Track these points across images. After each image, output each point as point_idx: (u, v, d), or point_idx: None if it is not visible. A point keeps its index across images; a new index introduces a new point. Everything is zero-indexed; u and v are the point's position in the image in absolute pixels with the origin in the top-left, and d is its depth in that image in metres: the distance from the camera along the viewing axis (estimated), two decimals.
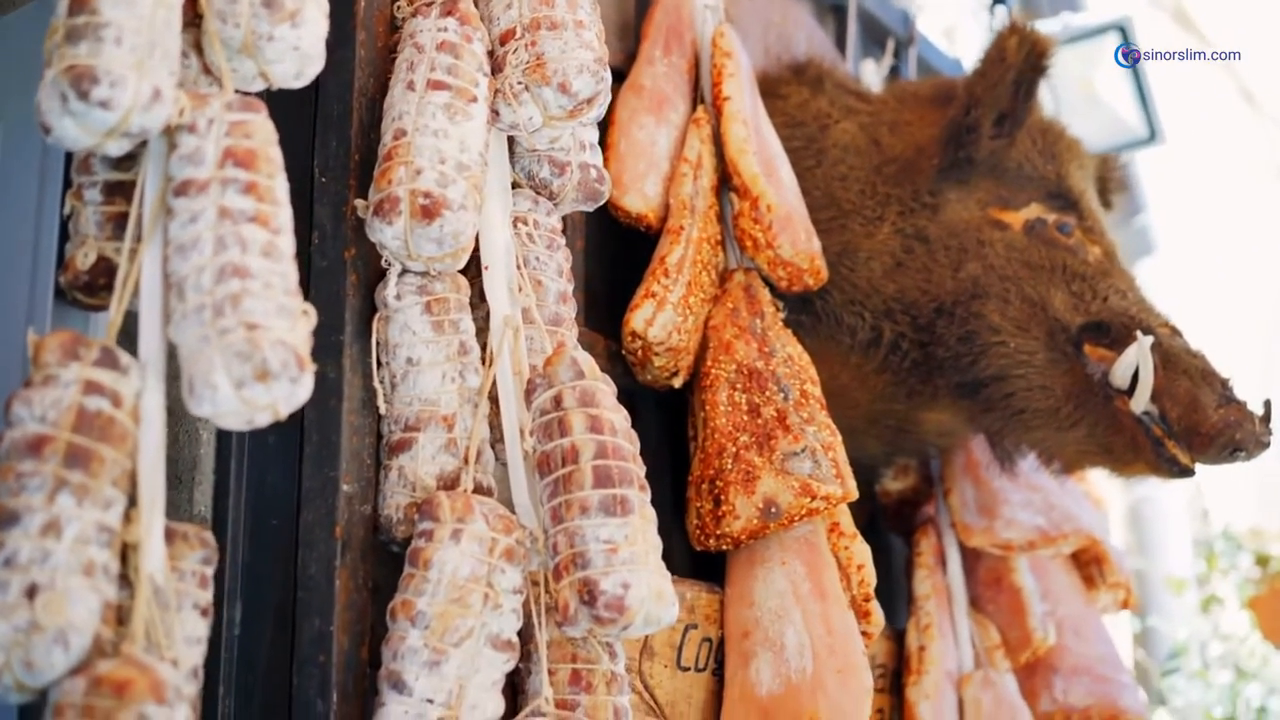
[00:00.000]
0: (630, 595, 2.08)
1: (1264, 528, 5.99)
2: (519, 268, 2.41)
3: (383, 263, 2.28)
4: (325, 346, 2.28)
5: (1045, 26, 4.87)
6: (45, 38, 1.84)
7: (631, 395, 2.97)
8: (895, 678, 3.29)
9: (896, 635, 3.34)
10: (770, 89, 3.29)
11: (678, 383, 2.84)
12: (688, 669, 2.66)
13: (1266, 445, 2.82)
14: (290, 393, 1.83)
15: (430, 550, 2.12)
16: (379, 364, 2.30)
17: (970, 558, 3.45)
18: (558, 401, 2.21)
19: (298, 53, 2.03)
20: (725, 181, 2.96)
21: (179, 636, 1.89)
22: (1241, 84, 7.79)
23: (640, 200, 2.86)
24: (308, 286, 2.32)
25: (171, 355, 1.89)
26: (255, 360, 1.78)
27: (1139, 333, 2.89)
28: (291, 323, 1.85)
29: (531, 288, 2.41)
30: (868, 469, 3.41)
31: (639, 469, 2.20)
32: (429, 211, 2.17)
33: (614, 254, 2.96)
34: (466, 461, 2.25)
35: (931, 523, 3.46)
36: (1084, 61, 4.92)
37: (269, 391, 1.80)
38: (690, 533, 2.78)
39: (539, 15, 2.35)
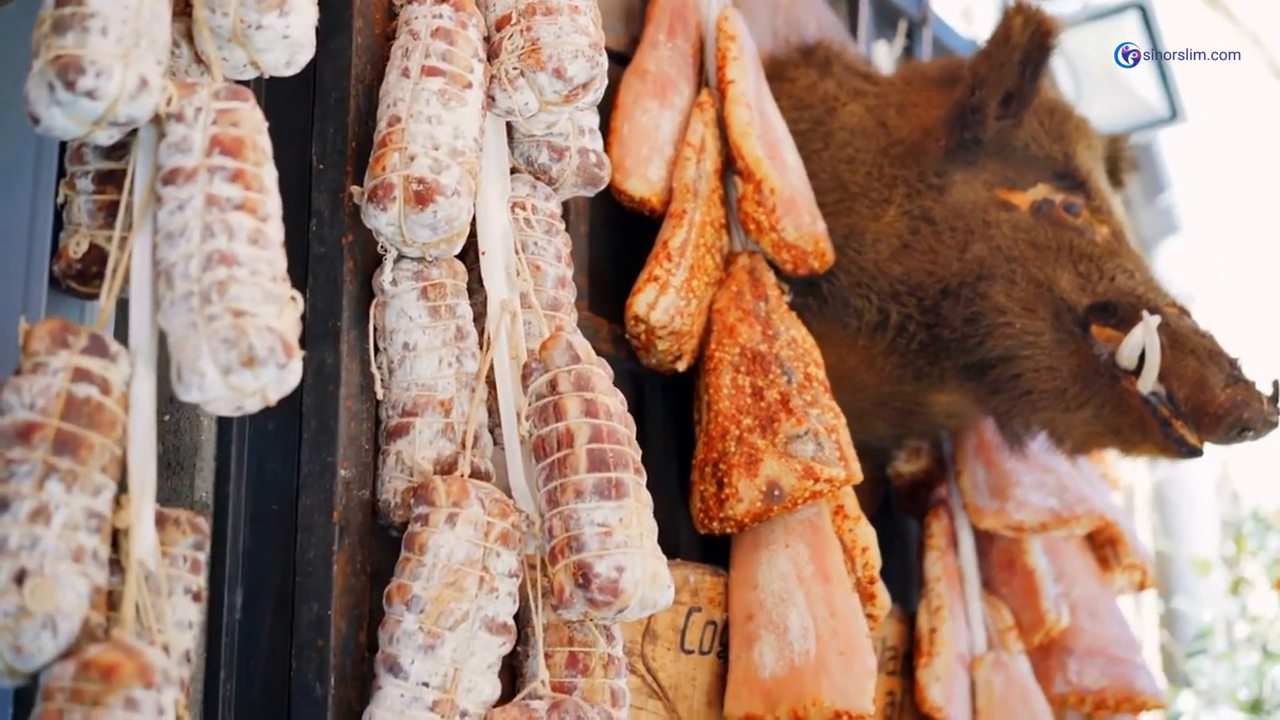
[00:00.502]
0: (625, 578, 2.09)
1: None
2: (517, 253, 2.41)
3: (379, 249, 2.29)
4: (323, 332, 2.30)
5: (1063, 6, 4.85)
6: (34, 29, 1.86)
7: (637, 379, 2.99)
8: (907, 660, 3.28)
9: (908, 618, 3.33)
10: (778, 72, 3.28)
11: (682, 366, 2.84)
12: (691, 652, 2.66)
13: (1275, 425, 2.80)
14: (279, 378, 1.83)
15: (425, 535, 2.14)
16: (376, 350, 2.31)
17: (983, 540, 3.44)
18: (553, 386, 2.21)
19: (287, 41, 2.04)
20: (729, 165, 2.96)
21: (170, 621, 1.90)
22: (1270, 60, 7.73)
23: (643, 184, 2.86)
24: (305, 273, 2.34)
25: None
26: (242, 347, 1.79)
27: (1145, 313, 2.87)
28: (278, 309, 1.86)
29: (529, 272, 2.42)
30: (878, 451, 3.40)
31: (635, 452, 2.21)
32: (422, 197, 2.18)
33: (618, 238, 2.96)
34: (464, 446, 2.26)
35: (944, 505, 3.45)
36: (1104, 41, 4.89)
37: (256, 378, 1.81)
38: (694, 516, 2.78)
39: (534, 1, 2.35)
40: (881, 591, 2.78)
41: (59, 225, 2.11)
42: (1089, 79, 4.88)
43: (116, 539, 1.86)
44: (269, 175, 1.95)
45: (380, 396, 2.29)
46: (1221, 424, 2.78)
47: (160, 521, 1.94)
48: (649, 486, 2.95)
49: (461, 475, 2.22)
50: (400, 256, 2.29)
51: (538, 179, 2.52)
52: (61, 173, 2.12)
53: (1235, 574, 5.79)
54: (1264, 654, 5.34)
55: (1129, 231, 3.14)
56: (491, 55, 2.37)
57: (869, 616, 2.77)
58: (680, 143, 2.93)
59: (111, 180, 2.06)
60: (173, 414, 2.40)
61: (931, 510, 3.45)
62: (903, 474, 3.54)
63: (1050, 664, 3.40)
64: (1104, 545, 3.56)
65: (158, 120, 1.93)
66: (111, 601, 1.85)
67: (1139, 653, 3.42)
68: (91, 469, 1.80)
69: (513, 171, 2.50)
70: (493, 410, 2.35)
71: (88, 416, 1.81)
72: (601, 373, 2.25)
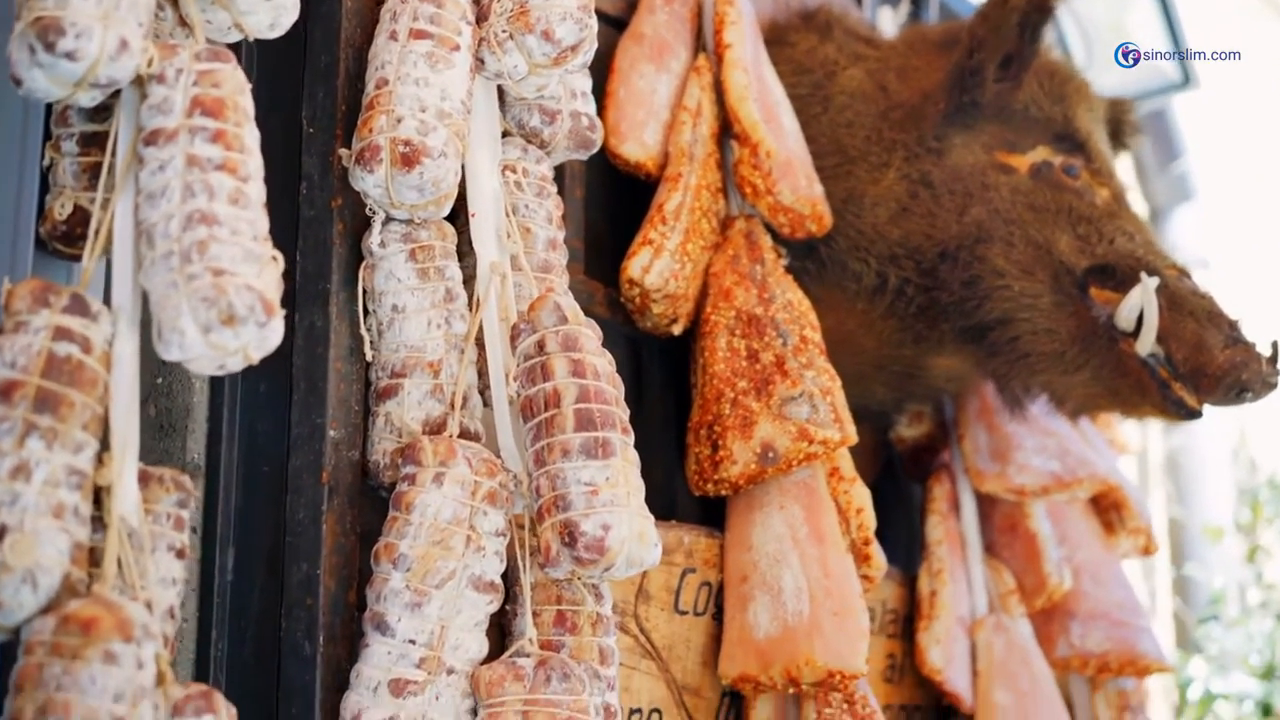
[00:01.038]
0: (610, 536, 2.09)
1: None
2: (508, 215, 2.42)
3: (367, 211, 2.29)
4: (312, 295, 2.31)
5: None
6: None
7: (634, 344, 2.99)
8: (907, 623, 3.28)
9: (909, 581, 3.33)
10: (778, 36, 3.28)
11: (677, 330, 2.85)
12: (686, 613, 2.67)
13: (1274, 386, 2.79)
14: (259, 337, 1.84)
15: (412, 494, 2.15)
16: (366, 312, 2.32)
17: (986, 504, 3.44)
18: (541, 346, 2.22)
19: (270, 3, 2.06)
20: (726, 129, 2.96)
21: (153, 577, 1.92)
22: None
23: (639, 148, 2.86)
24: (295, 236, 2.35)
25: None
26: (221, 305, 1.80)
27: (1144, 274, 2.86)
28: (259, 268, 1.87)
29: (520, 235, 2.42)
30: (879, 415, 3.40)
31: (622, 412, 2.21)
32: (409, 159, 2.19)
33: (614, 203, 2.96)
34: (452, 407, 2.27)
35: (946, 469, 3.45)
36: (1116, 7, 4.86)
37: (237, 336, 1.82)
38: (689, 478, 2.79)
39: None
40: (876, 553, 2.78)
41: (45, 188, 2.13)
42: (1100, 44, 4.85)
43: (99, 496, 1.88)
44: (250, 136, 1.95)
45: (369, 358, 2.30)
46: (1220, 385, 2.77)
47: (144, 479, 1.96)
48: (646, 450, 2.97)
49: (449, 435, 2.23)
50: (388, 219, 2.29)
51: (529, 142, 2.52)
52: (48, 135, 2.14)
53: (1251, 541, 5.77)
54: (1278, 620, 5.32)
55: (1129, 194, 3.12)
56: (480, 18, 2.38)
57: (864, 578, 2.77)
58: (676, 107, 2.93)
59: (95, 142, 2.07)
60: (165, 376, 2.42)
61: (934, 474, 3.45)
62: (905, 438, 3.54)
63: (1053, 628, 3.39)
64: (1108, 509, 3.55)
65: (139, 82, 1.94)
66: (94, 558, 1.86)
67: (1143, 616, 3.41)
68: (72, 426, 1.81)
69: (504, 135, 2.51)
70: (482, 372, 2.36)
71: (68, 375, 1.82)
72: (589, 333, 2.25)
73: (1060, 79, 3.16)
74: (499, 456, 2.26)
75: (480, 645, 2.17)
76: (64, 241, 2.09)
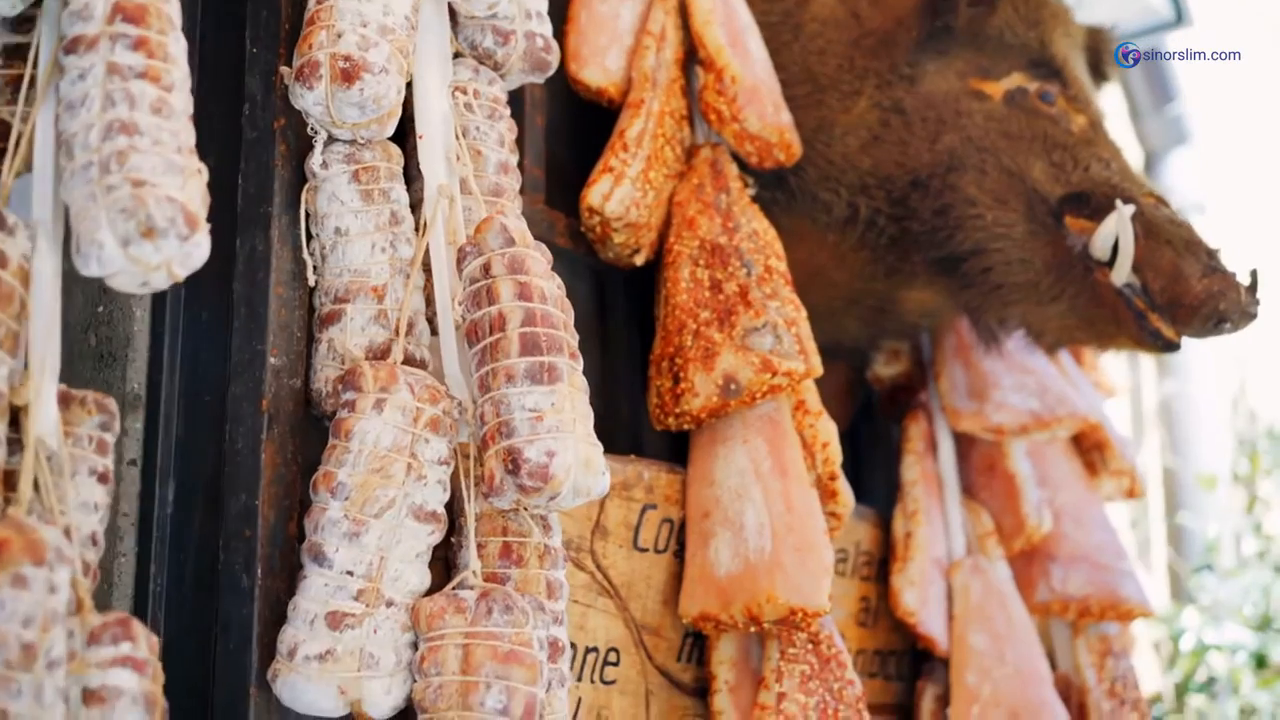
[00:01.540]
0: (555, 463, 2.03)
1: None
2: (458, 137, 2.34)
3: (309, 131, 2.22)
4: (254, 218, 2.25)
5: None
6: None
7: (599, 275, 2.93)
8: (882, 566, 3.21)
9: (885, 523, 3.26)
10: None
11: (640, 260, 2.77)
12: (646, 550, 2.60)
13: (1253, 317, 2.71)
14: (182, 252, 1.77)
15: (352, 421, 2.08)
16: (309, 236, 2.25)
17: (964, 444, 3.36)
18: (486, 269, 2.15)
19: None
20: (692, 55, 2.88)
21: (73, 502, 1.85)
22: None
23: (601, 74, 2.78)
24: (238, 159, 2.28)
25: None
26: (140, 216, 1.73)
27: (1119, 202, 2.78)
28: (182, 180, 1.80)
29: (470, 157, 2.35)
30: (853, 353, 3.33)
31: (571, 337, 2.14)
32: (349, 75, 2.12)
33: (578, 131, 2.89)
34: (397, 333, 2.20)
35: (922, 408, 3.37)
36: None
37: (158, 250, 1.75)
38: (650, 412, 2.71)
39: None
40: (843, 489, 2.70)
41: None
42: None
43: (17, 417, 1.81)
44: (175, 44, 1.88)
45: (311, 283, 2.23)
46: (1197, 315, 2.69)
47: (65, 401, 1.89)
48: (611, 384, 2.92)
49: (393, 361, 2.16)
50: (331, 139, 2.23)
51: (482, 64, 2.44)
52: None
53: (1250, 493, 5.69)
54: (1276, 572, 5.24)
55: (1105, 120, 3.03)
56: None
57: (831, 514, 2.70)
58: (640, 32, 2.84)
59: (19, 55, 1.99)
60: (106, 305, 2.35)
61: (909, 413, 3.37)
62: (882, 377, 3.46)
63: (1033, 571, 3.32)
64: (1090, 450, 3.47)
65: None
66: (10, 481, 1.80)
67: (1125, 560, 3.33)
68: None
69: (456, 56, 2.43)
70: (430, 298, 2.29)
71: None
72: (537, 255, 2.18)
73: (1036, 3, 3.06)
74: (445, 383, 2.19)
75: (421, 577, 2.10)
76: None
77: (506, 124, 2.43)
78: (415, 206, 2.31)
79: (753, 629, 2.54)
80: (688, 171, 2.81)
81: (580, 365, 2.14)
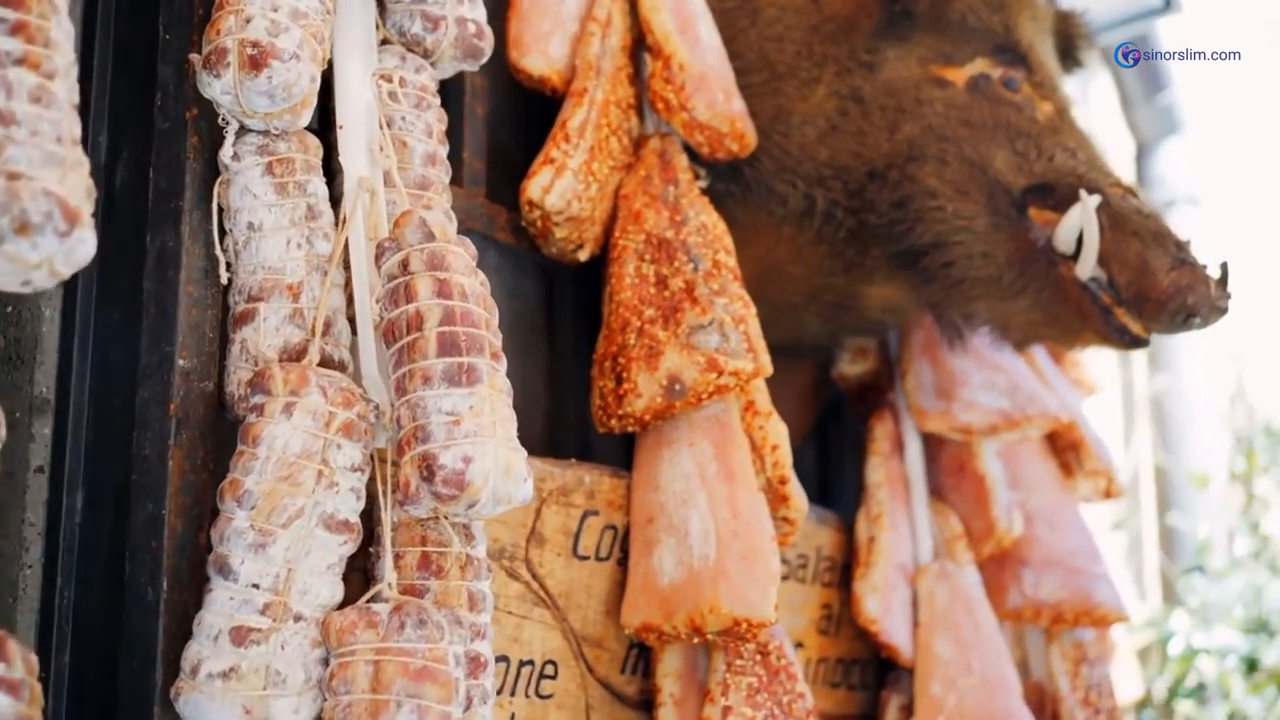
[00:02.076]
0: (472, 470, 1.92)
1: None
2: (382, 128, 2.24)
3: (219, 121, 2.12)
4: (164, 213, 2.15)
5: None
6: None
7: (547, 272, 2.83)
8: (845, 571, 3.09)
9: (849, 527, 3.14)
10: None
11: (583, 255, 2.66)
12: (587, 558, 2.49)
13: (1224, 311, 2.59)
14: (63, 249, 1.67)
15: (260, 426, 1.98)
16: (223, 232, 2.14)
17: (933, 444, 3.25)
18: (405, 265, 2.04)
19: None
20: (641, 42, 2.76)
21: None
22: None
23: (543, 61, 2.67)
24: (149, 151, 2.18)
25: None
26: (14, 211, 1.63)
27: (1083, 192, 2.66)
28: (62, 173, 1.69)
29: (395, 149, 2.24)
30: (817, 350, 3.22)
31: (493, 337, 2.04)
32: (256, 62, 2.01)
33: (524, 122, 2.78)
34: (313, 333, 2.10)
35: (890, 407, 3.25)
36: None
37: (35, 247, 1.65)
38: (593, 414, 2.60)
39: None
40: (795, 492, 2.58)
41: None
42: None
43: None
44: (59, 30, 1.77)
45: (224, 281, 2.13)
46: (1165, 310, 2.57)
47: None
48: (558, 385, 2.81)
49: (306, 363, 2.05)
50: (244, 129, 2.12)
51: (412, 50, 2.34)
52: None
53: (1247, 491, 5.57)
54: (1272, 573, 5.11)
55: (1073, 108, 2.91)
56: None
57: (784, 519, 2.59)
58: (586, 18, 2.73)
59: None
60: (14, 305, 2.25)
61: (875, 413, 3.25)
62: (848, 376, 3.34)
63: (1005, 575, 3.20)
64: (1066, 450, 3.35)
65: None
66: None
67: (1100, 563, 3.21)
68: None
69: (385, 43, 2.33)
70: (352, 296, 2.18)
71: None
72: (460, 251, 2.07)
73: None
74: (363, 386, 2.09)
75: (333, 590, 1.99)
76: None
77: (435, 114, 2.32)
78: (339, 201, 2.21)
79: (696, 640, 2.43)
80: (635, 163, 2.70)
81: (503, 366, 2.03)
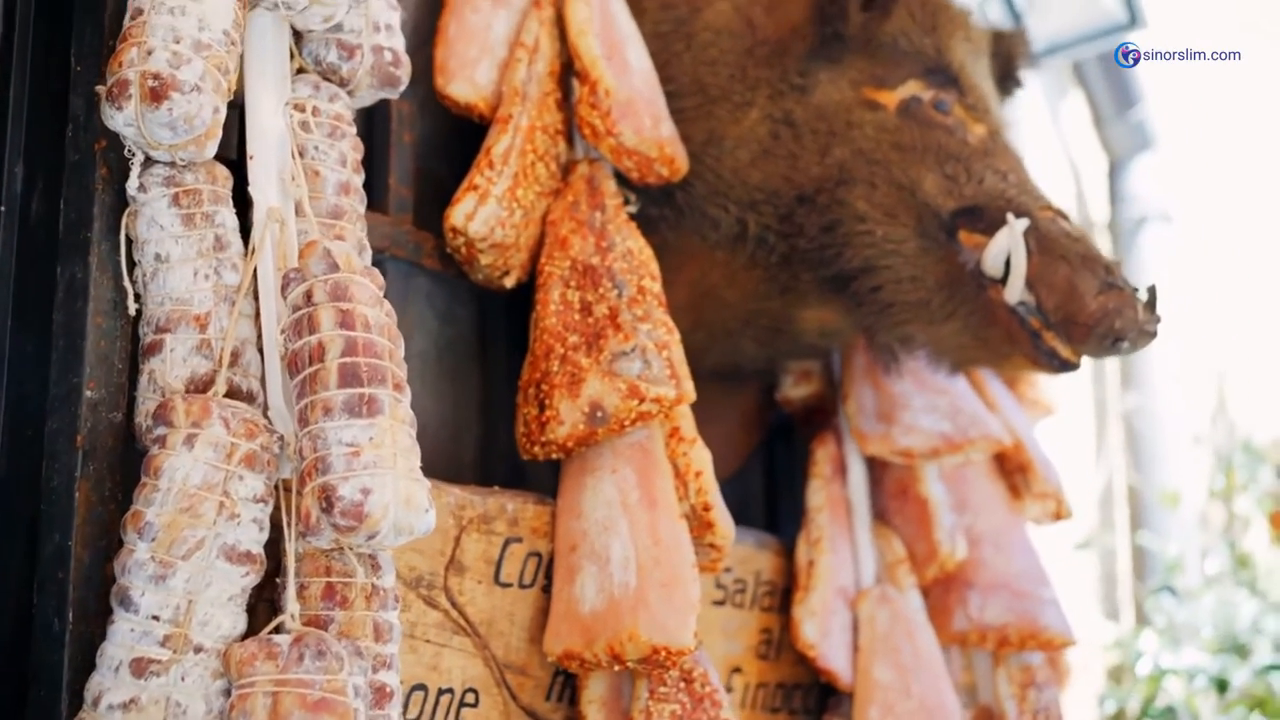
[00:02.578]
0: (371, 501, 1.92)
1: None
2: (294, 157, 2.24)
3: (125, 153, 2.12)
4: (74, 245, 2.16)
5: None
6: None
7: (480, 299, 2.82)
8: (786, 596, 3.08)
9: (791, 551, 3.12)
10: None
11: (510, 282, 2.65)
12: (509, 585, 2.48)
13: (1153, 335, 2.58)
14: None
15: (161, 457, 1.99)
16: (132, 263, 2.15)
17: (877, 468, 3.23)
18: (308, 296, 2.05)
19: None
20: (569, 67, 2.76)
21: None
22: None
23: (469, 88, 2.67)
24: (60, 182, 2.19)
25: None
26: None
27: (1011, 216, 2.65)
28: None
29: (307, 178, 2.24)
30: (757, 374, 3.20)
31: (397, 368, 2.04)
32: (157, 94, 2.02)
33: (453, 149, 2.78)
34: (220, 364, 2.10)
35: (832, 430, 3.23)
36: None
37: None
38: (517, 441, 2.59)
39: None
40: (720, 519, 2.56)
41: None
42: None
43: None
44: None
45: (131, 312, 2.13)
46: (1093, 334, 2.56)
47: None
48: (490, 412, 2.81)
49: (210, 395, 2.06)
50: (150, 161, 2.13)
51: (328, 79, 2.34)
52: None
53: (1227, 509, 5.54)
54: (1250, 592, 5.08)
55: (1006, 130, 2.90)
56: None
57: (710, 545, 2.57)
58: (514, 44, 2.73)
59: None
60: None
61: (817, 436, 3.23)
62: (791, 399, 3.32)
63: (951, 599, 3.18)
64: (1014, 473, 3.33)
65: None
66: None
67: (1047, 586, 3.19)
68: None
69: (301, 72, 2.33)
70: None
71: None
72: (365, 282, 2.07)
73: (933, 8, 2.92)
74: (269, 416, 2.09)
75: (235, 621, 2.00)
76: None
77: (350, 142, 2.32)
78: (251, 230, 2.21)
79: (617, 668, 2.42)
80: (564, 189, 2.70)
81: (407, 397, 2.03)
